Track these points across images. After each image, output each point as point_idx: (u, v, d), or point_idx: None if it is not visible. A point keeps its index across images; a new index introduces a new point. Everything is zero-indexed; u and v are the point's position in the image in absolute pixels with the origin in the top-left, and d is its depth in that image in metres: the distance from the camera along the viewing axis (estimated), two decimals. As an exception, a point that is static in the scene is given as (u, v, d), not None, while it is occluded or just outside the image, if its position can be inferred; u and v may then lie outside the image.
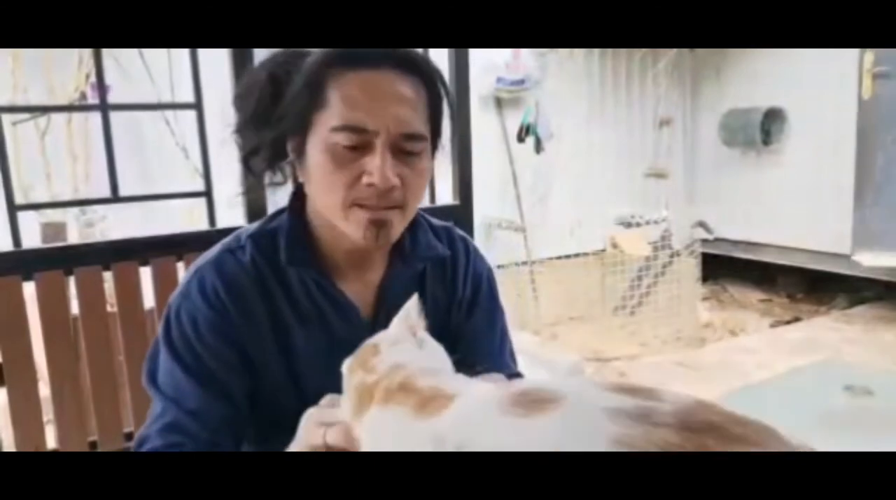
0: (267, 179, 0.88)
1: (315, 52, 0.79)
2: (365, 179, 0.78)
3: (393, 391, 0.56)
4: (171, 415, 0.80)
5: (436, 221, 0.99)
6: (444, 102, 0.85)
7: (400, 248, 0.91)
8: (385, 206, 0.80)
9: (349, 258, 0.88)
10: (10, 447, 1.87)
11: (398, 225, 0.83)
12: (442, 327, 0.92)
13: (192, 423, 0.80)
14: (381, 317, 0.88)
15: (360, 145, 0.78)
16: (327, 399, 0.71)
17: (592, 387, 0.45)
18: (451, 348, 0.91)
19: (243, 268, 0.85)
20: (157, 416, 0.81)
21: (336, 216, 0.81)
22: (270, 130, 0.82)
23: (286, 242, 0.86)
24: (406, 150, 0.80)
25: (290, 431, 0.82)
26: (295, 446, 0.71)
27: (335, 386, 0.83)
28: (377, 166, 0.77)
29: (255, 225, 0.90)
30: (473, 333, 0.96)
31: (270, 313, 0.85)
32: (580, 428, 0.42)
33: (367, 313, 0.89)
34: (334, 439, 0.63)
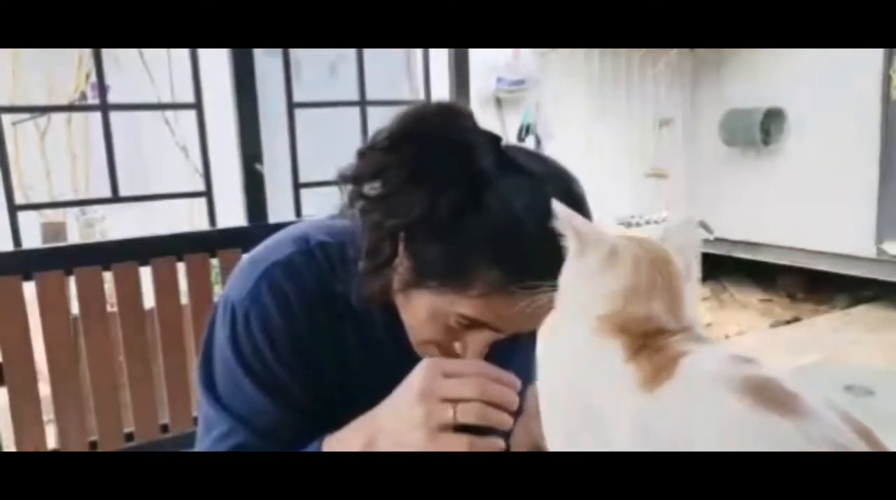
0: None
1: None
2: (455, 347, 0.69)
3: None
4: (242, 436, 0.71)
5: None
6: None
7: None
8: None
9: None
10: (10, 446, 1.87)
11: None
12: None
13: (264, 444, 0.71)
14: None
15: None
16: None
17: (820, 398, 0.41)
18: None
19: (314, 275, 0.74)
20: (224, 435, 0.71)
21: (405, 318, 0.72)
22: (421, 211, 0.64)
23: (358, 284, 0.72)
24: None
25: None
26: (395, 418, 0.62)
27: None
28: (469, 355, 0.68)
29: (321, 227, 0.78)
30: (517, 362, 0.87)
31: (330, 329, 0.74)
32: (818, 440, 0.39)
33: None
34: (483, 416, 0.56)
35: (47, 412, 1.91)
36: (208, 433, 0.73)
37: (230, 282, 0.76)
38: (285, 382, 0.72)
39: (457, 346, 0.69)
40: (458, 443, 0.59)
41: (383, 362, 0.73)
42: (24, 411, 1.85)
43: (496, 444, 0.61)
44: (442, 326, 0.68)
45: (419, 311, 0.69)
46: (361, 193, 0.68)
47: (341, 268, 0.74)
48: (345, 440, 0.68)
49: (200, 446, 0.74)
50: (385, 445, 0.64)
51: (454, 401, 0.59)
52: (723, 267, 4.57)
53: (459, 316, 0.66)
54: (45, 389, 1.90)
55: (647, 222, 3.85)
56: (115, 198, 1.99)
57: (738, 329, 3.82)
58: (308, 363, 0.73)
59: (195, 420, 2.03)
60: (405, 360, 0.71)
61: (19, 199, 1.86)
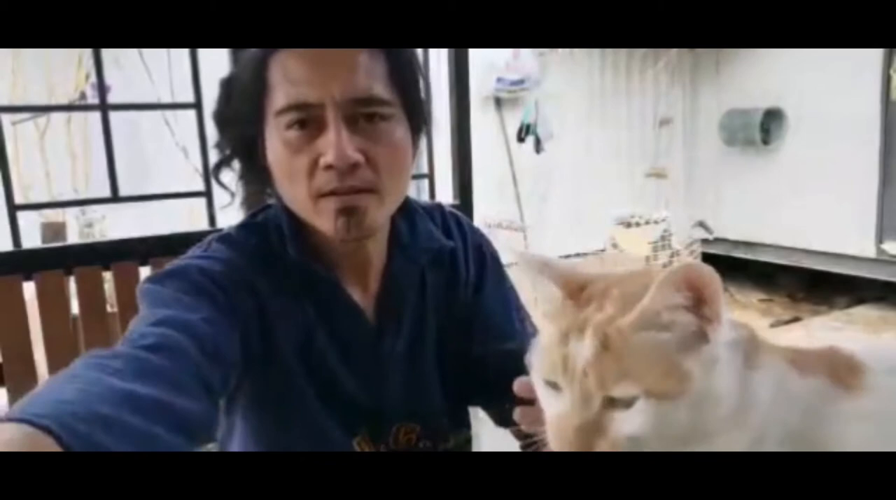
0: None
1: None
2: (322, 161, 0.69)
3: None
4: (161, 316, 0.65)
5: (424, 202, 0.91)
6: (414, 70, 0.76)
7: (398, 240, 0.83)
8: (352, 189, 0.70)
9: (345, 256, 0.79)
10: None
11: (374, 212, 0.73)
12: (450, 316, 0.86)
13: (183, 326, 0.64)
14: (386, 328, 0.81)
15: (311, 125, 0.70)
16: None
17: None
18: (467, 334, 0.85)
19: (241, 255, 0.76)
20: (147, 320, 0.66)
21: (306, 211, 0.73)
22: (233, 134, 0.76)
23: (290, 234, 0.77)
24: (366, 116, 0.70)
25: (288, 435, 0.78)
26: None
27: (342, 394, 0.78)
28: (331, 143, 0.68)
29: (243, 219, 0.82)
30: (487, 309, 0.88)
31: (261, 308, 0.74)
32: None
33: (370, 316, 0.81)
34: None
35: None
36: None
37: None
38: (210, 313, 0.68)
39: (324, 160, 0.69)
40: None
41: (328, 337, 0.77)
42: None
43: None
44: (295, 146, 0.70)
45: (279, 158, 0.72)
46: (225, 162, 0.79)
47: (264, 243, 0.77)
48: None
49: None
50: None
51: None
52: (723, 267, 4.57)
53: (282, 115, 0.70)
54: (44, 389, 1.90)
55: (647, 222, 3.85)
56: (115, 198, 1.99)
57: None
58: (237, 333, 0.70)
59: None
60: (353, 332, 0.78)
61: (19, 199, 1.86)
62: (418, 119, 0.78)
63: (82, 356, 0.59)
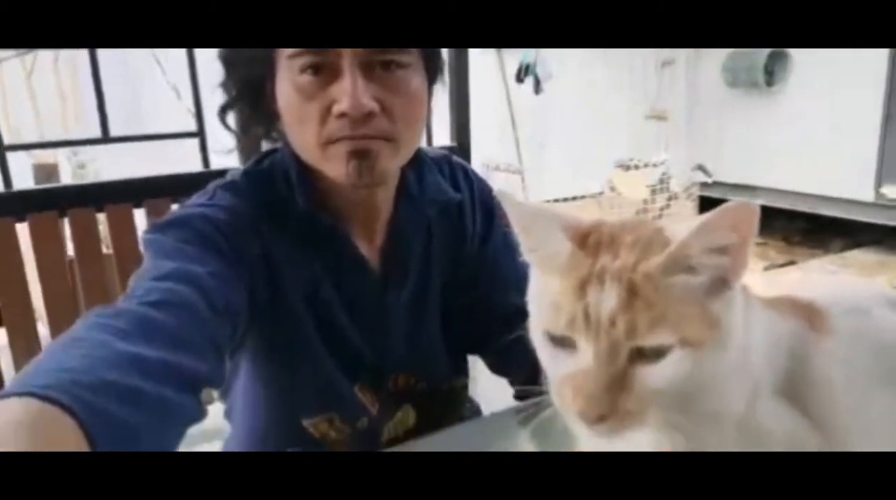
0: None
1: None
2: (335, 109, 0.67)
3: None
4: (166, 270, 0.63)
5: (432, 152, 0.90)
6: None
7: (406, 191, 0.82)
8: (365, 136, 0.69)
9: (353, 205, 0.78)
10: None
11: (387, 159, 0.71)
12: (452, 273, 0.85)
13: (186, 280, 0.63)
14: (391, 278, 0.81)
15: (325, 70, 0.67)
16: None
17: None
18: (473, 284, 0.86)
19: (246, 202, 0.74)
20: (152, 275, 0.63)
21: (315, 157, 0.72)
22: (240, 75, 0.74)
23: (298, 181, 0.75)
24: (383, 63, 0.68)
25: (292, 379, 0.77)
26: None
27: (345, 342, 0.78)
28: (346, 91, 0.66)
29: (247, 165, 0.80)
30: (494, 260, 0.88)
31: (267, 256, 0.73)
32: None
33: (375, 267, 0.80)
34: None
35: (48, 353, 1.93)
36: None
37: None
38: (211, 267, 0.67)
39: (338, 107, 0.68)
40: None
41: (334, 288, 0.76)
42: (25, 352, 1.87)
43: None
44: (308, 91, 0.68)
45: (290, 103, 0.70)
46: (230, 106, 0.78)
47: (269, 190, 0.76)
48: None
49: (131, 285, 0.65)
50: None
51: None
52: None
53: (296, 59, 0.68)
54: (44, 330, 1.91)
55: (647, 165, 3.82)
56: (106, 138, 1.96)
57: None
58: (242, 282, 0.70)
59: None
60: (358, 283, 0.77)
61: (8, 139, 1.83)
62: (435, 68, 0.76)
63: (84, 316, 0.58)
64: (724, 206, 0.39)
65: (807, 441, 0.44)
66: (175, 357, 0.55)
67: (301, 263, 0.76)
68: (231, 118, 0.80)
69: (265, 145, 0.83)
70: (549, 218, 0.45)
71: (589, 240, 0.44)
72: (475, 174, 0.92)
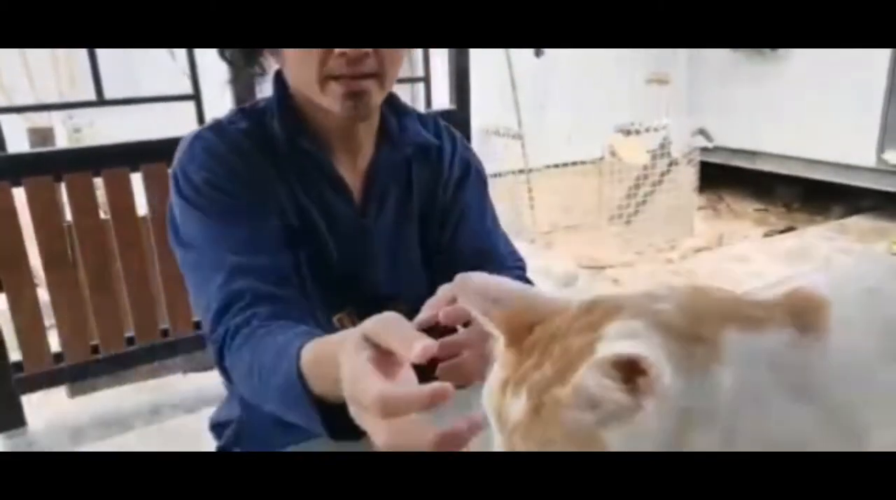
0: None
1: None
2: (336, 49, 0.75)
3: None
4: (223, 267, 0.76)
5: (423, 112, 0.98)
6: None
7: (387, 133, 0.90)
8: (360, 75, 0.77)
9: (338, 139, 0.87)
10: (14, 350, 1.91)
11: (376, 95, 0.81)
12: (429, 209, 0.93)
13: (244, 261, 0.76)
14: (371, 204, 0.89)
15: None
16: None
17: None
18: (439, 232, 0.94)
19: (242, 135, 0.83)
20: (205, 281, 0.77)
21: (313, 92, 0.80)
22: None
23: (281, 113, 0.84)
24: None
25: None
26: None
27: (330, 269, 0.85)
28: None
29: (241, 106, 0.89)
30: (462, 211, 0.95)
31: (265, 184, 0.82)
32: None
33: (357, 193, 0.89)
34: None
35: (49, 317, 1.94)
36: (195, 292, 0.80)
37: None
38: (240, 206, 0.79)
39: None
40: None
41: (322, 214, 0.85)
42: (25, 316, 1.88)
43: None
44: (317, 58, 0.76)
45: (301, 52, 0.77)
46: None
47: (263, 125, 0.85)
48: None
49: (196, 292, 0.80)
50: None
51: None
52: (721, 176, 4.54)
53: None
54: (44, 294, 1.92)
55: (647, 130, 3.78)
56: (101, 101, 1.93)
57: (731, 238, 3.85)
58: (250, 196, 0.80)
59: (195, 325, 2.07)
60: (343, 208, 0.86)
61: (1, 102, 1.81)
62: None
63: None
64: (604, 349, 0.38)
65: (810, 431, 0.40)
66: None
67: (292, 189, 0.84)
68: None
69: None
70: (493, 306, 0.46)
71: (529, 336, 0.43)
72: (461, 138, 1.00)
